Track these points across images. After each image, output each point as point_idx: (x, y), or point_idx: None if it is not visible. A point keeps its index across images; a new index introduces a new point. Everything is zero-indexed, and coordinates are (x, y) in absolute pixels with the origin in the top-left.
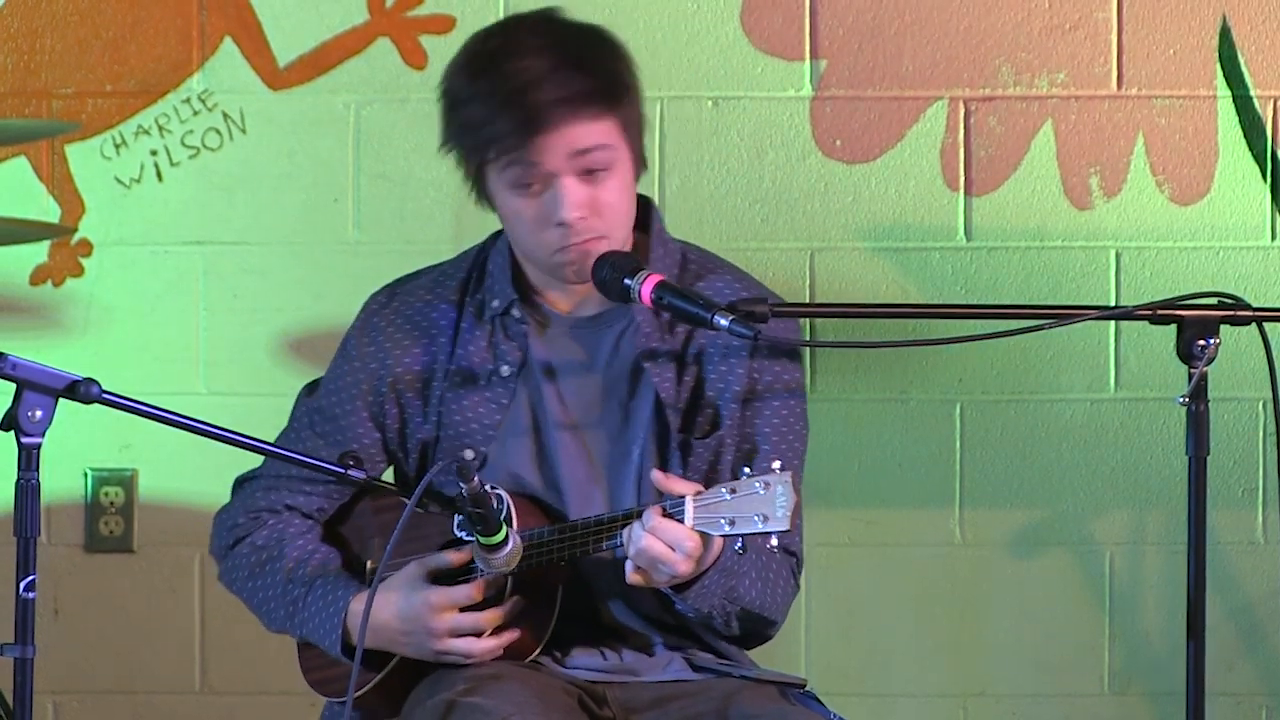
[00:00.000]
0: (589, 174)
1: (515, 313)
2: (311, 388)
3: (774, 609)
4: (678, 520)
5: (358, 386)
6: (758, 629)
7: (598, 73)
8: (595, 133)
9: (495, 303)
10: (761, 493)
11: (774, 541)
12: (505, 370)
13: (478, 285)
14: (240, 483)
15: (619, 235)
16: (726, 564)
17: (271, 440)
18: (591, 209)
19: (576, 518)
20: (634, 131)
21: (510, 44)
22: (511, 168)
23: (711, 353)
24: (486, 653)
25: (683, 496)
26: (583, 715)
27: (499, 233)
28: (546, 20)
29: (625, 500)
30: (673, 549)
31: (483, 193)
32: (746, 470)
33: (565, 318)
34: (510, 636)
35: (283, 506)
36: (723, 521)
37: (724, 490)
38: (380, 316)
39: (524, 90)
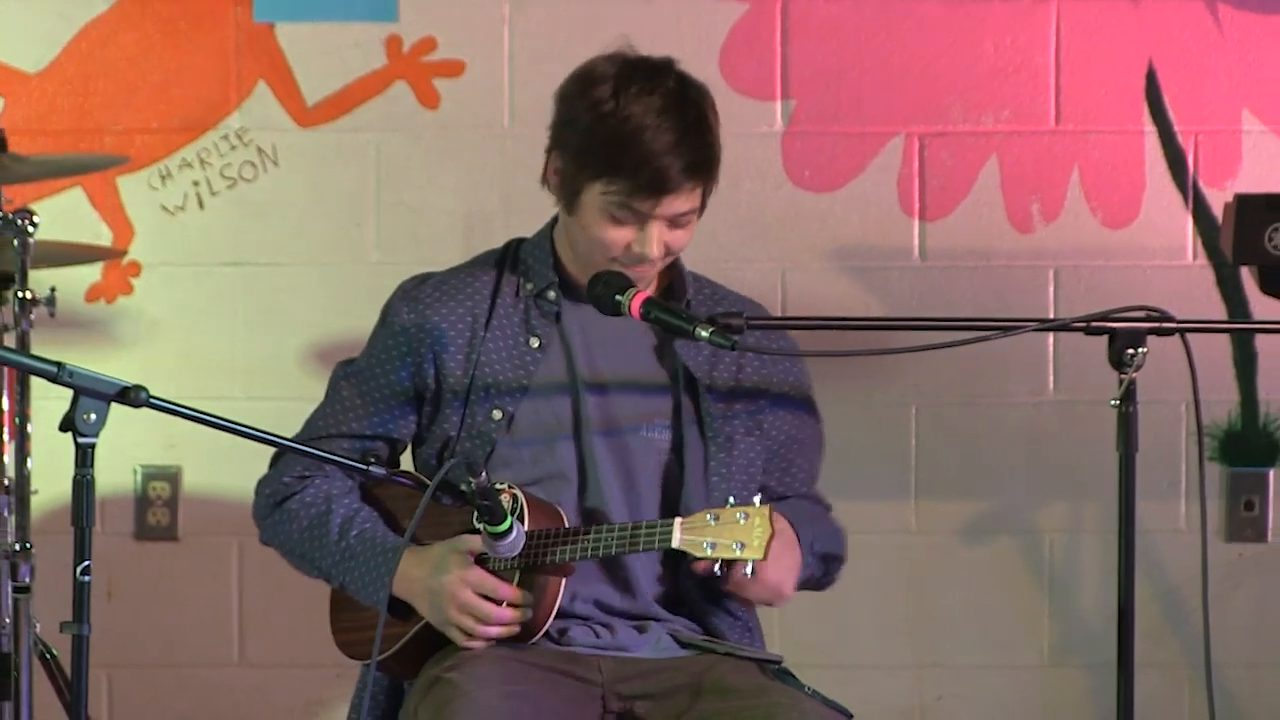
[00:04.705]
0: (673, 223)
1: (551, 294)
2: (348, 363)
3: (838, 543)
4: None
5: (398, 348)
6: (833, 568)
7: (707, 147)
8: (694, 199)
9: (530, 285)
10: (742, 522)
11: (748, 570)
12: (535, 342)
13: (512, 269)
14: (280, 454)
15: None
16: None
17: (294, 428)
18: (665, 251)
19: (594, 496)
20: (711, 190)
21: (641, 98)
22: (616, 206)
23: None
24: (483, 639)
25: (671, 519)
26: (559, 687)
27: (521, 239)
28: (669, 75)
29: (645, 470)
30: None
31: (568, 186)
32: (731, 499)
33: None
34: (506, 633)
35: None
36: (705, 544)
37: (709, 516)
38: (419, 290)
39: (654, 157)
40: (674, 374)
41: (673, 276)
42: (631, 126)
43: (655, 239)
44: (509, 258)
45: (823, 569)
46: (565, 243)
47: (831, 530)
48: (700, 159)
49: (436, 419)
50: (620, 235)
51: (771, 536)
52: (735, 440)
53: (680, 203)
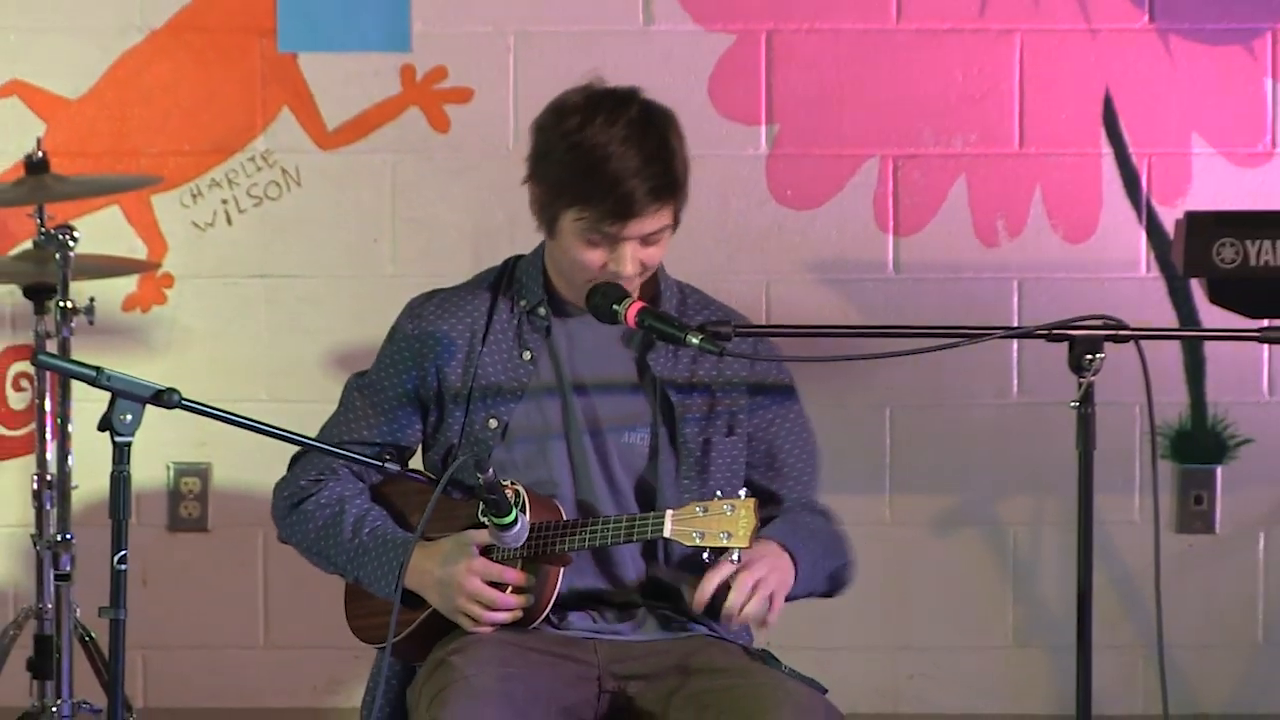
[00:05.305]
0: (645, 241)
1: (541, 311)
2: (360, 375)
3: (843, 552)
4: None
5: (404, 360)
6: (842, 575)
7: (671, 170)
8: (663, 218)
9: (523, 301)
10: (728, 513)
11: (735, 557)
12: (527, 355)
13: (508, 287)
14: (298, 456)
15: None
16: (803, 564)
17: (315, 428)
18: (640, 267)
19: (585, 493)
20: (682, 206)
21: (606, 128)
22: (588, 230)
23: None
24: (490, 624)
25: (664, 511)
26: (556, 668)
27: (520, 256)
28: (633, 103)
29: (626, 472)
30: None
31: (545, 213)
32: (719, 493)
33: (587, 315)
34: (511, 618)
35: (340, 466)
36: (694, 534)
37: (698, 508)
38: (424, 309)
39: (619, 183)
40: (651, 386)
41: (654, 289)
42: (598, 155)
43: (628, 258)
44: (506, 275)
45: (829, 584)
46: (551, 260)
47: (831, 542)
48: (664, 182)
49: (440, 426)
50: (595, 256)
51: (756, 527)
52: (714, 443)
53: (649, 223)
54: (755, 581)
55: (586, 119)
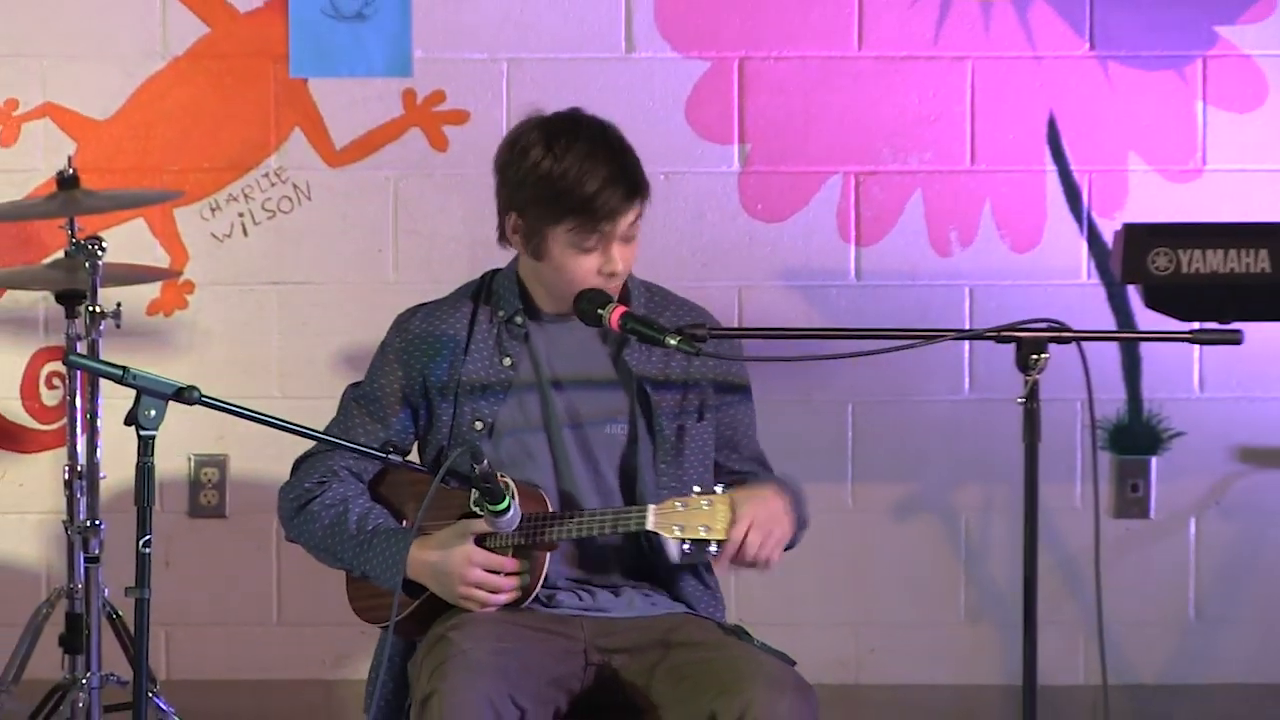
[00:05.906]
0: (626, 239)
1: (519, 319)
2: (355, 385)
3: (805, 501)
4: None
5: (394, 371)
6: (805, 519)
7: (635, 168)
8: (638, 211)
9: (501, 312)
10: (706, 508)
11: (713, 549)
12: (507, 361)
13: (486, 299)
14: (300, 461)
15: None
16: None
17: (324, 423)
18: (626, 262)
19: (567, 483)
20: (647, 201)
21: (569, 149)
22: (581, 236)
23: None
24: (492, 606)
25: (645, 505)
26: (547, 643)
27: (496, 270)
28: (581, 122)
29: (608, 461)
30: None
31: (531, 238)
32: (697, 489)
33: (562, 320)
34: (510, 599)
35: (340, 468)
36: (675, 527)
37: (678, 503)
38: (410, 322)
39: (598, 192)
40: (628, 380)
41: (624, 291)
42: (574, 174)
43: (618, 256)
44: (484, 289)
45: (799, 526)
46: (530, 275)
47: (799, 494)
48: (635, 181)
49: (430, 429)
50: (590, 262)
51: (733, 521)
52: (687, 429)
53: (629, 218)
54: (767, 534)
55: (548, 147)
